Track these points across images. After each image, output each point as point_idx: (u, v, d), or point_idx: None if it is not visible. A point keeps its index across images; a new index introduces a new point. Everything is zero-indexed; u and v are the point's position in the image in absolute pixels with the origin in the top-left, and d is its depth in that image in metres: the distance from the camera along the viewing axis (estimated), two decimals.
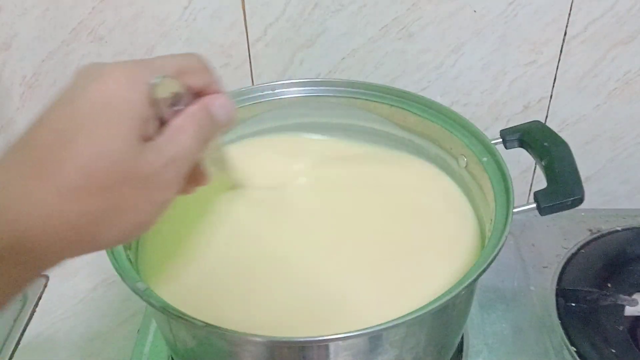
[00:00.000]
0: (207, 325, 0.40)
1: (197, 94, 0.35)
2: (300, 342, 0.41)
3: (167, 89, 0.32)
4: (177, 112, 0.33)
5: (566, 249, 0.70)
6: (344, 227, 0.55)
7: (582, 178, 0.49)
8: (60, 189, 0.29)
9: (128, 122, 0.30)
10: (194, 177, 0.39)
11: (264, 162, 0.62)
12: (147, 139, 0.31)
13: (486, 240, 0.48)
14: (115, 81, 0.30)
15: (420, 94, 0.59)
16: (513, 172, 0.50)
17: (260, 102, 0.61)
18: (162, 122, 0.33)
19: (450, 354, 0.54)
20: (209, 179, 0.40)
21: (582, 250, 0.70)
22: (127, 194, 0.30)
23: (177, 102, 0.33)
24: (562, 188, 0.49)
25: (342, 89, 0.61)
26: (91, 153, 0.29)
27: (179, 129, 0.33)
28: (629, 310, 0.62)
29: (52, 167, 0.29)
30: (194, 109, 0.34)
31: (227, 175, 0.52)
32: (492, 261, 0.43)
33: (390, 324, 0.39)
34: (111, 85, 0.30)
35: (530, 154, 0.54)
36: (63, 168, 0.29)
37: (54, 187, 0.29)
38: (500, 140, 0.55)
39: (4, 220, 0.29)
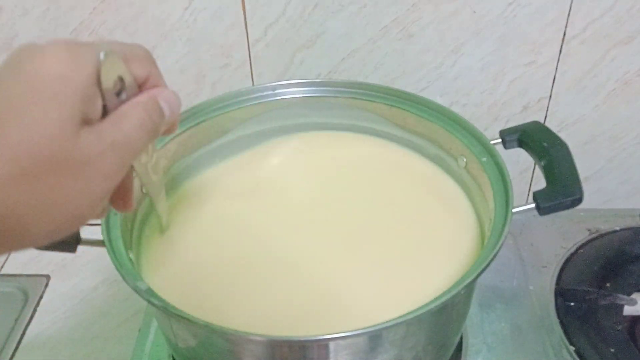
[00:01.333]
0: (208, 324, 0.40)
1: (141, 86, 0.33)
2: (301, 341, 0.42)
3: (113, 69, 0.30)
4: (121, 102, 0.31)
5: (565, 248, 0.70)
6: (343, 227, 0.55)
7: (581, 178, 0.49)
8: None
9: (67, 103, 0.27)
10: (122, 192, 0.35)
11: (264, 163, 0.63)
12: (88, 123, 0.29)
13: (485, 240, 0.48)
14: (55, 58, 0.27)
15: (420, 94, 0.59)
16: (512, 172, 0.50)
17: (260, 102, 0.61)
18: (105, 112, 0.30)
19: (450, 353, 0.54)
20: (132, 204, 0.37)
21: (581, 250, 0.70)
22: (60, 184, 0.28)
23: (121, 90, 0.31)
24: (561, 188, 0.49)
25: (342, 89, 0.61)
26: (20, 139, 0.26)
27: (124, 114, 0.31)
28: (628, 310, 0.63)
29: None
30: (141, 98, 0.32)
31: (157, 203, 0.49)
32: (491, 261, 0.43)
33: (390, 323, 0.39)
34: (50, 62, 0.27)
35: (529, 154, 0.54)
36: None
37: None
38: (500, 140, 0.56)
39: None
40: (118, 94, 0.31)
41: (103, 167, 0.29)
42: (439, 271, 0.50)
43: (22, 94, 0.27)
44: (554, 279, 0.66)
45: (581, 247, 0.70)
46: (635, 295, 0.64)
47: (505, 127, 0.56)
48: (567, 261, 0.68)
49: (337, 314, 0.48)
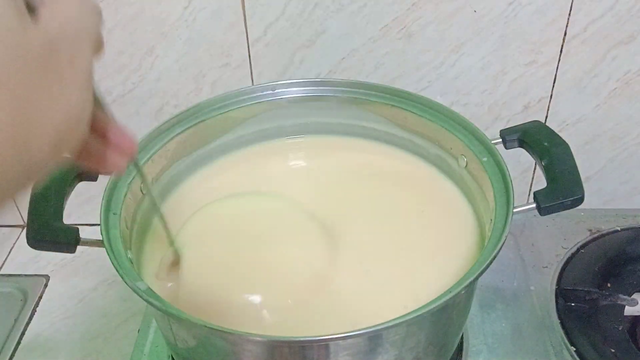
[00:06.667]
0: (207, 325, 0.40)
1: None
2: (300, 341, 0.41)
3: None
4: None
5: (566, 249, 0.70)
6: (344, 227, 0.55)
7: (582, 178, 0.49)
8: None
9: None
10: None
11: (265, 163, 0.63)
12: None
13: (486, 240, 0.48)
14: None
15: (420, 94, 0.59)
16: (513, 172, 0.50)
17: (260, 102, 0.61)
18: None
19: (450, 353, 0.54)
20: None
21: (582, 250, 0.70)
22: (34, 77, 0.24)
23: None
24: (562, 188, 0.49)
25: (342, 89, 0.61)
26: None
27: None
28: (629, 310, 0.62)
29: None
30: None
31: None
32: (491, 261, 0.43)
33: (390, 324, 0.39)
34: None
35: (530, 154, 0.54)
36: None
37: None
38: (500, 140, 0.55)
39: None
40: None
41: (68, 51, 0.25)
42: (439, 272, 0.50)
43: None
44: (555, 279, 0.66)
45: (582, 247, 0.70)
46: (636, 296, 0.64)
47: (506, 127, 0.56)
48: (568, 261, 0.68)
49: (337, 314, 0.47)
